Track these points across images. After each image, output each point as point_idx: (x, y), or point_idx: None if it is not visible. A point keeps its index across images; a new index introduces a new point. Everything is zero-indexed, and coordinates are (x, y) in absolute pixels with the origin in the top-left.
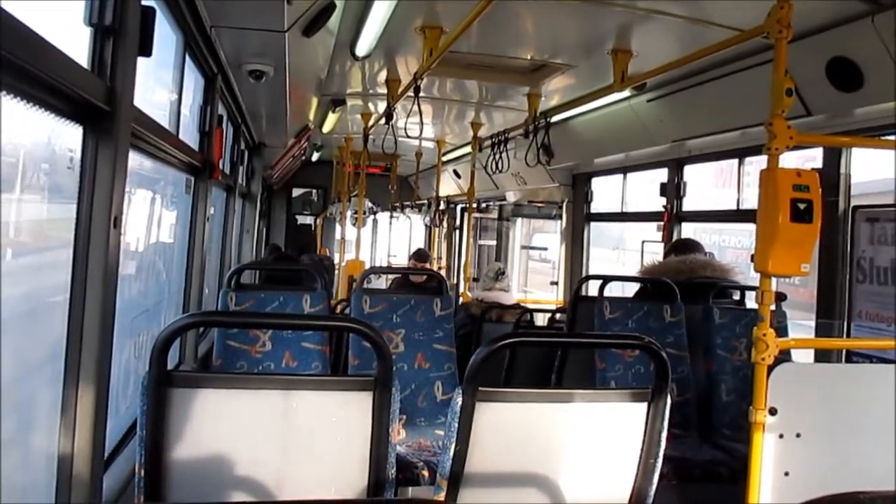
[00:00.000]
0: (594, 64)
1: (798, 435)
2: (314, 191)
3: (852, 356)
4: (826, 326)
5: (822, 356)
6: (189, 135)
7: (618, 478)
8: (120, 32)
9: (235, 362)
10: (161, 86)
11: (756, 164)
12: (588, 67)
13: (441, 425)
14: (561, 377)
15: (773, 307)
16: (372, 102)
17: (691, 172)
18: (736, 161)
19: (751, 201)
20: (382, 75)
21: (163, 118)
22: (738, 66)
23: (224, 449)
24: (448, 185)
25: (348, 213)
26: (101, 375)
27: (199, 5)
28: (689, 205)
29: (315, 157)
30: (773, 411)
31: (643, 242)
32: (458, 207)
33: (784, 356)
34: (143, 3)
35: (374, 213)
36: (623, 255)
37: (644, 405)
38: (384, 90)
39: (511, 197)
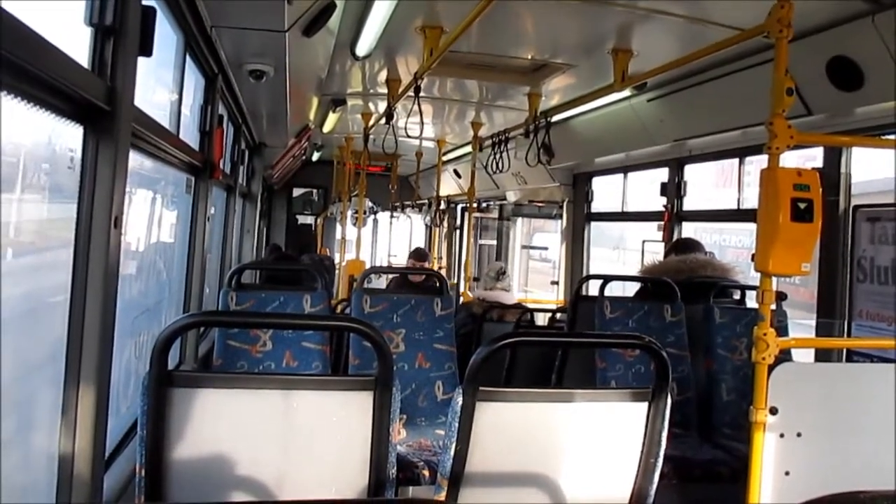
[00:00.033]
0: (594, 63)
1: (798, 434)
2: (315, 191)
3: (853, 355)
4: (826, 326)
5: (823, 355)
6: (189, 135)
7: (618, 477)
8: (120, 32)
9: (236, 362)
10: (161, 86)
11: (756, 164)
12: (588, 67)
13: (441, 425)
14: (561, 377)
15: (773, 307)
16: (372, 102)
17: (692, 172)
18: (736, 160)
19: (751, 201)
20: (383, 75)
21: (163, 118)
22: (738, 66)
23: (224, 449)
24: (448, 185)
25: (349, 213)
26: (101, 375)
27: (200, 5)
28: (689, 204)
29: (315, 156)
30: (773, 411)
31: (644, 242)
32: (459, 207)
33: (784, 356)
34: (144, 2)
35: (375, 213)
36: (623, 254)
37: (644, 405)
38: (384, 90)
39: (511, 196)
